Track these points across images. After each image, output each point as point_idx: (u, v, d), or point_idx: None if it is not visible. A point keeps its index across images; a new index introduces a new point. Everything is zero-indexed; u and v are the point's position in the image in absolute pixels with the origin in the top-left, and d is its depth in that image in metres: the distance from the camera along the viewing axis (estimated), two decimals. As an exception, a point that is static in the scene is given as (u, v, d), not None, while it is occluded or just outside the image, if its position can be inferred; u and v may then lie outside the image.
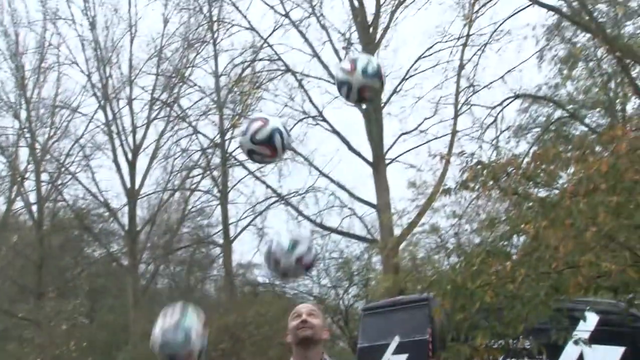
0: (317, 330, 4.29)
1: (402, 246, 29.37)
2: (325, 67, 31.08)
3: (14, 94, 43.32)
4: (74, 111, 42.17)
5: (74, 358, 39.43)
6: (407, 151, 30.53)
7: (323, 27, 31.13)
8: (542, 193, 9.99)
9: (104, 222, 43.91)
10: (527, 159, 10.42)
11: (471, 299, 8.89)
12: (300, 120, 33.12)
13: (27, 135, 43.28)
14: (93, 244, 45.41)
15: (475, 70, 29.22)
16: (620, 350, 14.94)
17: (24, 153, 44.39)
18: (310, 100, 31.86)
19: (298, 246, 4.43)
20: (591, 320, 13.72)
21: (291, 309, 4.21)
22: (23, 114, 43.24)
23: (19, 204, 46.10)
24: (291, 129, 32.97)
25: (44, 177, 43.36)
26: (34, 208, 44.24)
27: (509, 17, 26.88)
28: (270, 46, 32.07)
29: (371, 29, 30.27)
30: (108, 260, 44.65)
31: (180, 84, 37.61)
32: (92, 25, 39.61)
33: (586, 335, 13.24)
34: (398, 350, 14.46)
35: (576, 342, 13.09)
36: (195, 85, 37.45)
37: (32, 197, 44.18)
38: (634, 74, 23.10)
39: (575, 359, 14.38)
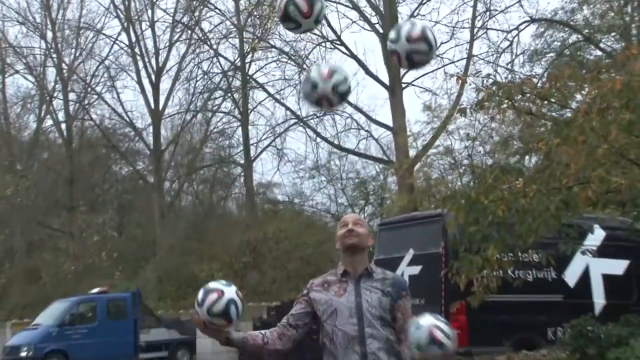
0: (362, 238, 4.32)
1: (416, 167, 29.45)
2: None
3: (40, 15, 43.42)
4: (99, 32, 42.31)
5: (105, 267, 39.94)
6: (423, 75, 30.39)
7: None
8: (556, 113, 9.98)
9: (130, 142, 44.07)
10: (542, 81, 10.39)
11: (484, 213, 8.93)
12: (319, 44, 32.90)
13: (54, 55, 43.29)
14: (120, 162, 45.70)
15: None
16: (624, 263, 15.08)
17: (51, 73, 44.37)
18: (329, 24, 31.59)
19: (335, 75, 4.37)
20: (598, 234, 13.81)
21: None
22: (49, 35, 43.26)
23: (48, 122, 46.34)
24: (309, 52, 33.15)
25: (72, 96, 43.50)
26: (63, 126, 44.30)
27: None
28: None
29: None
30: (135, 177, 45.01)
31: (201, 7, 37.42)
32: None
33: (594, 248, 13.40)
34: (413, 262, 14.59)
35: (584, 253, 13.21)
36: (216, 8, 37.26)
37: (61, 116, 44.32)
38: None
39: (581, 271, 14.54)
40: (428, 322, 3.98)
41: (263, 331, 4.32)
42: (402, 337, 4.22)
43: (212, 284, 4.17)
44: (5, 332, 32.96)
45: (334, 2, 31.24)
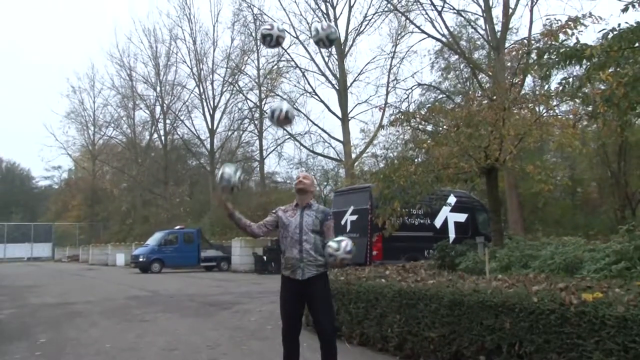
0: (307, 186, 4.57)
1: (355, 164, 29.65)
2: (317, 65, 31.09)
3: (154, 78, 43.43)
4: (183, 87, 42.42)
5: (183, 216, 39.96)
6: (359, 113, 30.90)
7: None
8: (432, 129, 10.12)
9: (197, 147, 43.94)
10: (423, 111, 10.56)
11: (392, 183, 9.09)
12: (303, 94, 32.88)
13: (159, 99, 43.48)
14: (192, 158, 45.53)
15: (399, 68, 29.70)
16: (465, 215, 15.43)
17: (158, 109, 44.54)
18: (309, 83, 31.93)
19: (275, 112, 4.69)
20: (452, 199, 14.15)
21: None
22: (158, 89, 43.47)
23: (154, 136, 46.67)
24: (298, 98, 33.23)
25: (168, 122, 43.63)
26: (163, 138, 44.38)
27: (416, 43, 27.62)
28: (288, 53, 31.64)
29: (342, 45, 30.12)
30: (199, 167, 44.92)
31: (238, 74, 37.60)
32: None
33: (451, 203, 13.73)
34: (353, 213, 14.79)
35: (447, 205, 13.52)
36: (247, 74, 37.42)
37: (162, 132, 44.46)
38: (479, 77, 23.37)
39: (443, 219, 14.86)
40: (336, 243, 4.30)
41: (250, 222, 4.60)
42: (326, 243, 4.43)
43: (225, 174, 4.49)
44: (131, 248, 32.99)
45: (313, 71, 31.52)
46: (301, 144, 34.78)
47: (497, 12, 21.99)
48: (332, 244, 4.29)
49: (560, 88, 6.36)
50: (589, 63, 6.01)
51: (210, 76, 40.36)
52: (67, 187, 59.26)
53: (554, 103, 8.21)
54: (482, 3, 21.13)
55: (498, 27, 20.92)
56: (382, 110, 22.60)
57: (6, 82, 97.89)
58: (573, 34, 7.09)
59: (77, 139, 53.07)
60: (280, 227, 4.52)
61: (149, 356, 6.25)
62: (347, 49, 30.33)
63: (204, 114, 40.41)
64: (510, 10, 20.62)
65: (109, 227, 48.65)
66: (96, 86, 50.57)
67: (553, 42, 6.81)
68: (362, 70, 31.46)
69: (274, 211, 4.66)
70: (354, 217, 14.67)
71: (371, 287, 6.24)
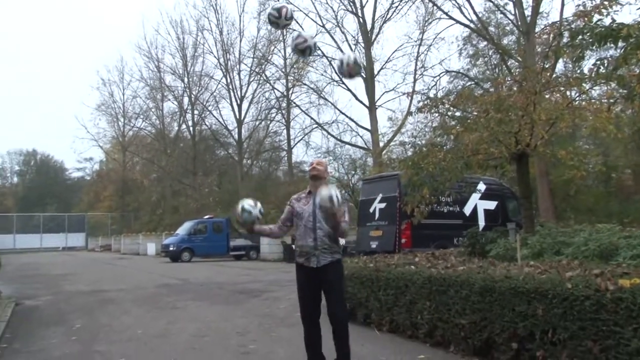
0: (321, 172, 4.55)
1: (383, 152, 29.47)
2: (344, 54, 30.72)
3: (182, 68, 43.70)
4: (211, 78, 42.58)
5: (212, 206, 40.33)
6: (386, 101, 30.72)
7: (342, 32, 30.80)
8: (460, 114, 9.93)
9: (225, 137, 44.19)
10: (452, 97, 10.35)
11: (421, 170, 8.98)
12: (330, 82, 32.69)
13: (187, 90, 43.84)
14: (220, 148, 45.84)
15: (426, 55, 29.36)
16: (495, 202, 15.22)
17: (185, 100, 44.91)
18: (336, 72, 31.53)
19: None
20: (482, 186, 13.93)
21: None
22: (185, 80, 43.82)
23: (183, 126, 47.18)
24: (325, 87, 33.08)
25: (196, 112, 43.97)
26: (191, 129, 44.77)
27: (444, 30, 27.37)
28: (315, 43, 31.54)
29: (368, 33, 29.85)
30: (227, 157, 45.22)
31: (265, 63, 37.57)
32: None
33: (481, 190, 13.54)
34: (381, 201, 14.70)
35: (476, 192, 13.33)
36: (274, 64, 37.38)
37: (190, 123, 44.84)
38: (509, 63, 22.95)
39: (473, 206, 14.67)
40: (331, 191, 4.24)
41: (270, 226, 4.61)
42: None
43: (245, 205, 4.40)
44: (161, 238, 33.41)
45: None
46: (328, 133, 34.71)
47: (527, -4, 21.49)
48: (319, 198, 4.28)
49: (595, 70, 6.16)
50: (625, 43, 5.81)
51: (237, 66, 40.47)
52: (99, 178, 60.40)
53: (587, 86, 7.99)
54: (511, -14, 20.68)
55: (528, 12, 20.42)
56: (409, 97, 22.32)
57: (39, 76, 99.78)
58: (608, 13, 6.84)
59: (108, 130, 53.97)
60: (294, 216, 4.51)
61: (180, 342, 6.31)
62: (373, 37, 30.02)
63: (231, 105, 40.58)
64: (541, -7, 20.12)
65: (140, 217, 49.44)
66: (125, 78, 51.38)
67: (587, 23, 6.59)
68: (389, 58, 31.25)
69: (288, 202, 4.63)
70: (383, 205, 14.58)
71: (400, 273, 6.19)
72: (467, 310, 5.05)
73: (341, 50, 30.60)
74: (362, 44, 30.20)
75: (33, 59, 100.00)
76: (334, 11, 30.27)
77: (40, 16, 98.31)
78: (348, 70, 4.63)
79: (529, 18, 20.13)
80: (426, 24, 29.18)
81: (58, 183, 73.76)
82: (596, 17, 6.89)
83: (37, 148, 76.94)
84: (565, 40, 7.11)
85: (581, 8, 7.59)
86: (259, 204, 4.47)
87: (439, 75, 23.23)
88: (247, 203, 4.42)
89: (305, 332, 4.49)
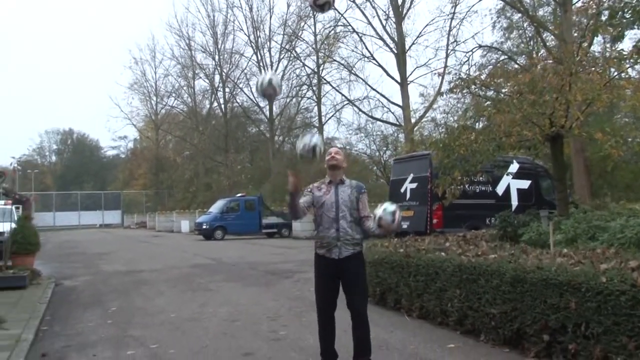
0: (339, 161, 4.40)
1: (415, 128, 29.13)
2: (375, 29, 30.43)
3: (212, 46, 43.90)
4: (241, 55, 42.77)
5: (245, 183, 40.73)
6: (418, 77, 30.27)
7: (373, 6, 30.31)
8: (493, 95, 9.71)
9: (257, 114, 44.36)
10: (484, 76, 10.10)
11: (452, 152, 8.82)
12: (361, 58, 32.41)
13: (218, 68, 44.03)
14: (251, 125, 46.05)
15: (458, 29, 28.75)
16: (528, 182, 14.94)
17: (217, 78, 45.18)
18: (366, 48, 31.45)
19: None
20: (515, 166, 13.66)
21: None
22: (216, 58, 44.00)
23: (214, 104, 47.38)
24: (356, 63, 32.82)
25: (227, 90, 44.11)
26: (223, 106, 45.04)
27: (476, 2, 26.83)
28: (345, 18, 31.28)
29: (399, 8, 29.32)
30: (259, 134, 45.43)
31: (295, 40, 37.33)
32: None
33: (513, 171, 13.29)
34: (412, 181, 14.56)
35: (508, 174, 13.11)
36: (304, 40, 37.14)
37: (222, 100, 45.08)
38: (544, 36, 22.30)
39: (505, 186, 14.43)
40: (393, 207, 4.14)
41: (300, 203, 4.31)
42: (364, 218, 4.35)
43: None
44: (195, 215, 33.94)
45: (370, 35, 30.95)
46: (359, 109, 34.54)
47: (564, -35, 20.73)
48: (383, 214, 4.15)
49: (636, 51, 5.91)
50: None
51: (268, 43, 40.45)
52: (133, 157, 61.46)
53: (627, 65, 7.69)
54: (548, -44, 20.00)
55: (565, -18, 19.73)
56: (440, 76, 21.98)
57: (74, 57, 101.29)
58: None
59: (141, 109, 54.88)
60: (315, 206, 4.39)
61: (211, 327, 6.41)
62: (404, 11, 29.48)
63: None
64: (579, -38, 19.35)
65: (174, 195, 50.23)
66: (157, 57, 51.99)
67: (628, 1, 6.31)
68: (420, 33, 30.63)
69: (308, 189, 4.50)
70: (414, 185, 14.45)
71: (431, 260, 6.14)
72: (498, 300, 4.98)
73: (372, 26, 30.29)
74: (393, 19, 29.72)
75: (68, 39, 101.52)
76: (366, -15, 29.79)
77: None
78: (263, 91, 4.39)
79: (566, -12, 19.45)
80: (459, -4, 28.47)
81: (94, 161, 75.45)
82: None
83: (74, 127, 78.65)
84: (603, 18, 6.85)
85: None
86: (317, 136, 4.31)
87: (471, 50, 22.62)
88: (309, 139, 4.27)
89: (320, 325, 4.44)
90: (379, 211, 4.16)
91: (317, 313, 4.47)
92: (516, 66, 25.58)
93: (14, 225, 11.62)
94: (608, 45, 8.37)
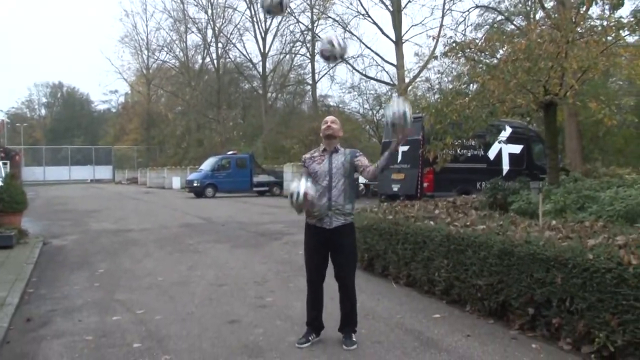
0: (335, 130, 4.37)
1: (409, 88, 28.85)
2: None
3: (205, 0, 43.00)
4: (234, 10, 42.15)
5: (236, 140, 40.56)
6: (414, 36, 29.73)
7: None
8: (488, 60, 9.56)
9: (249, 70, 43.89)
10: (479, 41, 9.90)
11: (445, 117, 8.64)
12: (356, 15, 31.89)
13: (211, 22, 43.38)
14: (244, 81, 45.48)
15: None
16: (520, 147, 14.91)
17: (209, 32, 44.58)
18: (362, 4, 30.96)
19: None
20: (508, 130, 13.60)
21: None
22: (209, 11, 43.26)
23: (207, 59, 46.71)
24: (351, 20, 32.29)
25: (220, 45, 43.46)
26: (215, 62, 44.42)
27: None
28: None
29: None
30: (252, 90, 44.98)
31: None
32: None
33: (504, 138, 13.18)
34: (404, 144, 14.46)
35: (499, 142, 13.06)
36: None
37: (214, 56, 44.54)
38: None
39: (497, 151, 14.39)
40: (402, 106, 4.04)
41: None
42: (365, 171, 4.29)
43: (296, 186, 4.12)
44: (186, 172, 33.88)
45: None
46: (353, 68, 34.15)
47: None
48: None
49: (634, 21, 5.76)
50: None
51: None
52: (124, 111, 60.89)
53: (625, 34, 7.53)
54: None
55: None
56: (435, 40, 21.59)
57: (64, 8, 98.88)
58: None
59: (132, 63, 54.19)
60: (310, 176, 4.35)
61: (198, 291, 6.41)
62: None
63: (255, 37, 40.21)
64: None
65: (165, 151, 50.01)
66: (148, 10, 51.38)
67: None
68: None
69: (302, 163, 4.47)
70: (405, 148, 14.30)
71: (419, 229, 6.11)
72: (485, 272, 4.98)
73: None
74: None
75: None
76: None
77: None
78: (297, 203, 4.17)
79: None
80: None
81: (84, 115, 74.69)
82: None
83: (63, 80, 77.52)
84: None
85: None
86: (303, 183, 4.14)
87: (468, 10, 22.27)
88: (294, 187, 4.16)
89: (309, 294, 4.46)
90: (395, 109, 4.06)
91: (307, 283, 4.49)
92: (513, 27, 25.44)
93: (0, 182, 11.50)
94: (607, 10, 8.14)
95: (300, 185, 4.13)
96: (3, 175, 12.85)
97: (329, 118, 4.52)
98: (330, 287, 4.53)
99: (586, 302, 3.95)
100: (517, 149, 14.73)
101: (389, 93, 34.79)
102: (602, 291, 3.84)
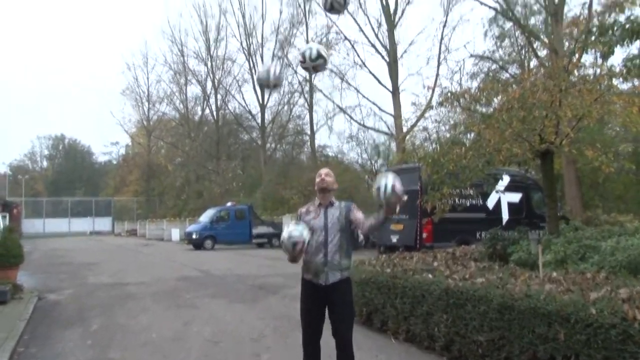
0: (329, 184, 4.25)
1: (407, 138, 29.03)
2: (367, 36, 30.38)
3: (205, 52, 43.91)
4: (233, 62, 43.07)
5: (236, 190, 40.56)
6: (410, 85, 30.35)
7: (365, 14, 30.32)
8: (483, 109, 9.64)
9: (248, 121, 44.32)
10: (473, 90, 10.00)
11: (442, 167, 8.69)
12: (353, 66, 32.33)
13: (211, 75, 44.09)
14: (243, 132, 45.90)
15: (450, 38, 28.96)
16: (519, 195, 14.84)
17: (209, 84, 45.20)
18: (358, 55, 31.49)
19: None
20: (506, 179, 13.58)
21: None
22: (209, 64, 44.07)
23: (206, 111, 47.30)
24: (347, 71, 32.77)
25: (219, 97, 44.05)
26: (214, 113, 44.93)
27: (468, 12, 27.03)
28: (337, 25, 31.31)
29: (391, 16, 29.26)
30: (250, 141, 45.30)
31: (288, 47, 37.21)
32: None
33: (502, 188, 13.14)
34: (401, 193, 14.44)
35: (497, 192, 13.00)
36: (296, 47, 37.00)
37: (214, 107, 45.10)
38: (535, 45, 22.33)
39: (496, 200, 14.32)
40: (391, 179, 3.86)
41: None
42: (360, 227, 4.14)
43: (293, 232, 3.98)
44: (185, 224, 33.71)
45: (362, 43, 30.88)
46: (351, 118, 34.49)
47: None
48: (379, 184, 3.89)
49: (626, 70, 5.82)
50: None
51: (260, 50, 40.48)
52: (125, 163, 61.16)
53: (617, 82, 7.61)
54: (538, -33, 20.00)
55: (556, -8, 19.74)
56: (430, 90, 22.02)
57: (67, 62, 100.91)
58: (640, 4, 6.46)
59: (133, 115, 54.76)
60: None
61: (194, 348, 6.24)
62: (396, 19, 29.47)
63: (254, 88, 40.80)
64: (570, -27, 19.38)
65: (165, 202, 49.93)
66: (149, 63, 51.95)
67: (617, 18, 6.23)
68: (412, 41, 30.79)
69: (298, 215, 4.35)
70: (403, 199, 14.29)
71: (417, 282, 5.99)
72: (485, 327, 4.84)
73: (364, 33, 30.20)
74: (385, 27, 29.73)
75: (60, 45, 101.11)
76: (357, -7, 29.78)
77: (65, 5, 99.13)
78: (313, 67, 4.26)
79: (556, -1, 19.46)
80: (450, 5, 28.61)
81: (85, 167, 75.04)
82: (626, 10, 6.51)
83: (65, 133, 78.22)
84: (593, 35, 6.76)
85: (611, -1, 7.19)
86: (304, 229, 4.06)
87: (462, 59, 22.71)
88: (293, 232, 4.03)
89: (304, 352, 4.29)
90: (381, 183, 3.87)
91: (302, 339, 4.32)
92: (507, 76, 25.84)
93: (-2, 235, 11.38)
94: (599, 58, 8.24)
95: (291, 230, 4.02)
96: (1, 228, 12.74)
97: (323, 171, 4.41)
98: (328, 344, 4.38)
99: (592, 359, 3.81)
100: (516, 197, 14.68)
101: (387, 142, 35.12)
102: (608, 348, 3.71)
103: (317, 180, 4.32)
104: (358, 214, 4.24)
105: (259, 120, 40.96)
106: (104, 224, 53.38)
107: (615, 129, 22.11)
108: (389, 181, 3.85)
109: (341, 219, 4.20)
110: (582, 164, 19.23)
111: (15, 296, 9.85)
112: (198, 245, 26.21)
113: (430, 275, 6.06)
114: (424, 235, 13.25)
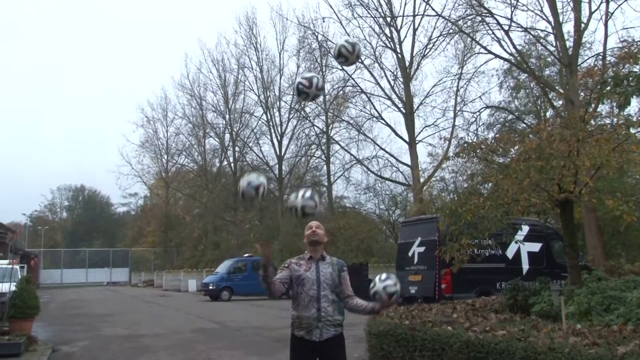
0: (321, 237, 4.10)
1: (424, 188, 28.99)
2: (383, 89, 30.78)
3: (222, 104, 44.73)
4: (251, 115, 43.66)
5: (253, 242, 40.38)
6: (427, 136, 30.38)
7: (381, 67, 30.80)
8: (500, 159, 9.62)
9: (266, 172, 44.57)
10: (490, 141, 10.01)
11: (459, 218, 8.62)
12: (369, 118, 32.72)
13: (229, 127, 44.71)
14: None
15: (465, 89, 29.12)
16: (539, 245, 14.63)
17: (227, 137, 46.02)
18: (374, 108, 31.74)
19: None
20: (525, 229, 13.40)
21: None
22: (227, 117, 44.72)
23: (224, 163, 47.91)
24: (364, 123, 33.09)
25: (237, 149, 44.65)
26: (232, 165, 45.44)
27: (483, 64, 27.26)
28: (353, 79, 31.84)
29: (407, 69, 29.67)
30: (268, 192, 45.43)
31: (304, 102, 37.75)
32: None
33: (522, 238, 12.95)
34: (420, 245, 14.29)
35: (516, 242, 12.82)
36: (313, 100, 37.52)
37: (231, 159, 45.72)
38: (550, 96, 22.39)
39: (515, 250, 14.11)
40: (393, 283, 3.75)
41: (276, 280, 3.94)
42: (347, 297, 4.02)
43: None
44: (202, 274, 33.60)
45: (379, 96, 31.20)
46: (368, 169, 34.58)
47: (568, 28, 21.01)
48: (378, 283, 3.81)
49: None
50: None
51: (277, 103, 41.12)
52: (143, 214, 61.53)
53: (635, 130, 7.57)
54: (551, 19, 20.14)
55: (570, 43, 19.89)
56: (446, 142, 22.16)
57: (87, 114, 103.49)
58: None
59: (151, 167, 55.19)
60: (294, 283, 4.03)
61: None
62: (412, 72, 29.81)
63: (271, 141, 41.19)
64: (583, 25, 19.43)
65: (182, 253, 49.86)
66: (169, 116, 52.64)
67: (631, 69, 6.25)
68: (428, 93, 30.83)
69: (285, 264, 4.15)
70: (422, 249, 14.16)
71: (436, 335, 5.85)
72: (508, 382, 4.68)
73: (380, 86, 30.62)
74: (401, 79, 30.09)
75: (80, 96, 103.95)
76: (372, 47, 30.32)
77: (85, 52, 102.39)
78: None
79: (570, 50, 19.56)
80: (465, 58, 28.93)
81: (104, 218, 75.68)
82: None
83: (85, 184, 79.31)
84: (608, 85, 6.78)
85: (626, 49, 7.23)
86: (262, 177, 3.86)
87: (479, 110, 22.78)
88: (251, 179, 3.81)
89: None
90: (378, 285, 3.79)
91: None
92: (524, 126, 25.87)
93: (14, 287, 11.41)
94: (615, 108, 8.23)
95: (248, 179, 3.81)
96: (18, 279, 12.78)
97: (313, 223, 4.24)
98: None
99: (620, 417, 3.65)
100: (536, 247, 14.46)
101: (405, 193, 35.02)
102: (637, 405, 3.55)
103: (308, 232, 4.16)
104: (346, 283, 4.08)
105: (277, 172, 41.27)
106: (121, 274, 53.37)
107: (635, 177, 21.87)
108: (298, 203, 3.83)
109: (334, 276, 4.02)
110: (602, 213, 18.97)
111: (29, 348, 9.79)
112: (215, 296, 26.01)
113: (449, 328, 5.91)
114: (443, 286, 13.03)
